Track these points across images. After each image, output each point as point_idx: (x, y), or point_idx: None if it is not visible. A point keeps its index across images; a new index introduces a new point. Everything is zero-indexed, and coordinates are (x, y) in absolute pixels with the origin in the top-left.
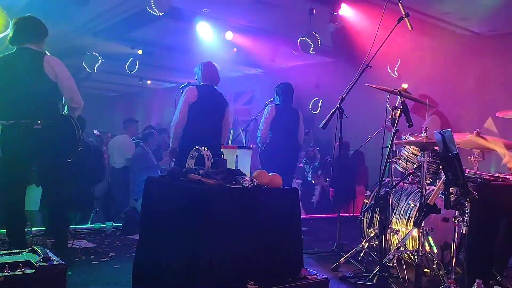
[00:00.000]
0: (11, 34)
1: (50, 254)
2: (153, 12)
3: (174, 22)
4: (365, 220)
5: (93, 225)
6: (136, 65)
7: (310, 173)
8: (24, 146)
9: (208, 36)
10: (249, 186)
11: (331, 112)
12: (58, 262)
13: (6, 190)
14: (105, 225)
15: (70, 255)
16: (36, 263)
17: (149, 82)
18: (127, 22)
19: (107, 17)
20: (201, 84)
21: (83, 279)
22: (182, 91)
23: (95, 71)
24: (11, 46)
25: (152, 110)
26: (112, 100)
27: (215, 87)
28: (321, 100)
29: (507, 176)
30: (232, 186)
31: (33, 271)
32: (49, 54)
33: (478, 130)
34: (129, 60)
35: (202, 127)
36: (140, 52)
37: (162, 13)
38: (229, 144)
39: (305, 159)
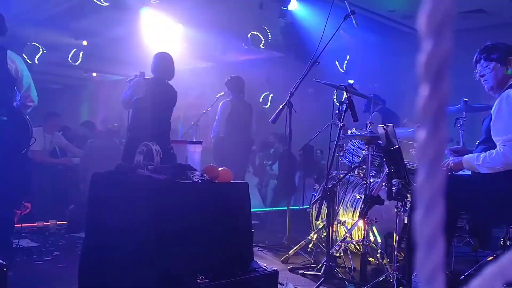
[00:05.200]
0: None
1: None
2: (97, 2)
3: (120, 12)
4: (313, 212)
5: (35, 224)
6: (80, 56)
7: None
8: None
9: (157, 28)
10: (199, 181)
11: (281, 107)
12: None
13: None
14: (48, 223)
15: (11, 255)
16: None
17: (94, 74)
18: (71, 12)
19: (49, 5)
20: (152, 76)
21: (26, 279)
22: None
23: (36, 62)
24: None
25: (98, 103)
26: (55, 93)
27: (167, 81)
28: (271, 95)
29: None
30: (181, 181)
31: None
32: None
33: (419, 124)
34: (73, 51)
35: (151, 122)
36: (84, 43)
37: (107, 4)
38: (179, 139)
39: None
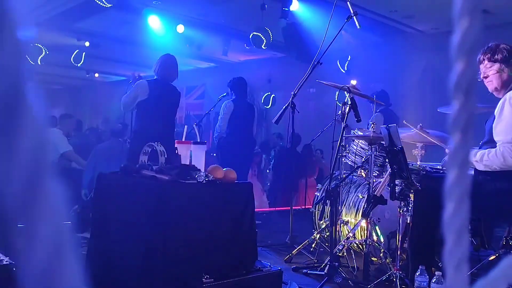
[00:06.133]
0: None
1: None
2: (100, 3)
3: (122, 13)
4: (316, 212)
5: None
6: (82, 57)
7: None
8: None
9: (159, 28)
10: (204, 181)
11: (284, 107)
12: (7, 262)
13: None
14: None
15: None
16: None
17: (96, 75)
18: (73, 12)
19: (51, 6)
20: (155, 78)
21: None
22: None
23: (39, 63)
24: None
25: (99, 104)
26: (56, 94)
27: (170, 82)
28: (273, 95)
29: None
30: (186, 181)
31: None
32: None
33: (421, 124)
34: (75, 52)
35: (155, 123)
36: (87, 44)
37: (110, 5)
38: (183, 140)
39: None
